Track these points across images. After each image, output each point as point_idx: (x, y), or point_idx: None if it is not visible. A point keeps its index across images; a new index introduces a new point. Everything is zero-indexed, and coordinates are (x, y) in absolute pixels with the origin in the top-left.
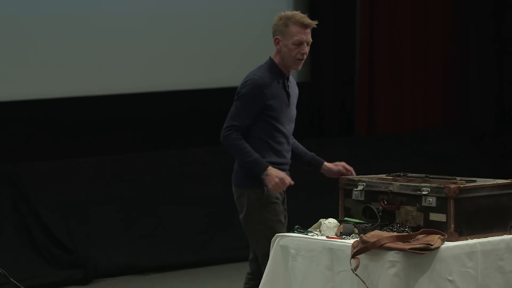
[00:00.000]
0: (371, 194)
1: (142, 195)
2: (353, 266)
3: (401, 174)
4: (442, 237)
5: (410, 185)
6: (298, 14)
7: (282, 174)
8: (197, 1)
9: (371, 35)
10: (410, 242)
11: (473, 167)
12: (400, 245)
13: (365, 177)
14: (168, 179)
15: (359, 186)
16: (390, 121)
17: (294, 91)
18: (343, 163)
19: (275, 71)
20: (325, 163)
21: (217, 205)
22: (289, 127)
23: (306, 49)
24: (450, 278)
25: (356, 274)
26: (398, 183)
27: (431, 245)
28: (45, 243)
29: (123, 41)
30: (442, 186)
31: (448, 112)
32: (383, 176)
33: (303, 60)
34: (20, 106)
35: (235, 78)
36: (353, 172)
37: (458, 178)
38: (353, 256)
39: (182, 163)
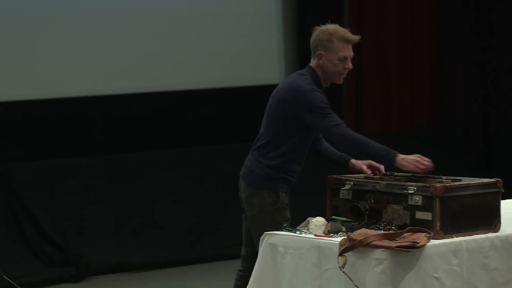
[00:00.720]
0: (358, 193)
1: (133, 194)
2: (341, 263)
3: (388, 173)
4: (428, 235)
5: (396, 184)
6: (341, 29)
7: (413, 157)
8: (184, 2)
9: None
10: (397, 240)
11: (459, 166)
12: (386, 243)
13: (352, 176)
14: (159, 179)
15: (346, 185)
16: (377, 120)
17: None
18: (369, 161)
19: (317, 83)
20: (352, 160)
21: (206, 204)
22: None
23: (350, 63)
24: (436, 275)
25: (343, 272)
26: (384, 182)
27: (417, 243)
28: (38, 241)
29: (109, 43)
30: (428, 185)
31: (434, 112)
32: (370, 175)
33: (345, 75)
34: (12, 106)
35: (223, 79)
36: (381, 170)
37: (443, 177)
38: (341, 254)
39: (172, 163)
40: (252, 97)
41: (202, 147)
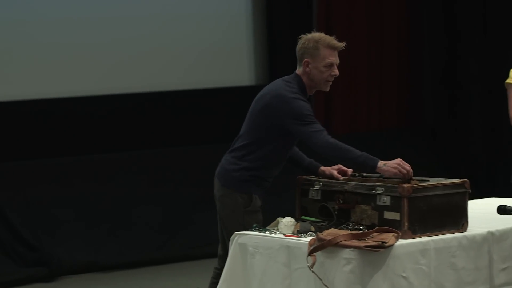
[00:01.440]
0: (327, 194)
1: (105, 195)
2: (310, 263)
3: (356, 174)
4: (396, 235)
5: (365, 185)
6: (326, 37)
7: (395, 162)
8: (155, 6)
9: None
10: (365, 240)
11: (426, 167)
12: (355, 242)
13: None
14: (130, 179)
15: (315, 186)
16: (346, 122)
17: None
18: (338, 166)
19: (302, 91)
20: (321, 167)
21: (177, 205)
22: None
23: (336, 70)
24: (404, 274)
25: (312, 271)
26: (353, 183)
27: (386, 243)
28: (10, 241)
29: (76, 46)
30: (396, 185)
31: (402, 113)
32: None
33: (331, 82)
34: None
35: (194, 81)
36: (349, 173)
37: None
38: (310, 253)
39: (143, 164)
40: (223, 98)
41: (173, 148)
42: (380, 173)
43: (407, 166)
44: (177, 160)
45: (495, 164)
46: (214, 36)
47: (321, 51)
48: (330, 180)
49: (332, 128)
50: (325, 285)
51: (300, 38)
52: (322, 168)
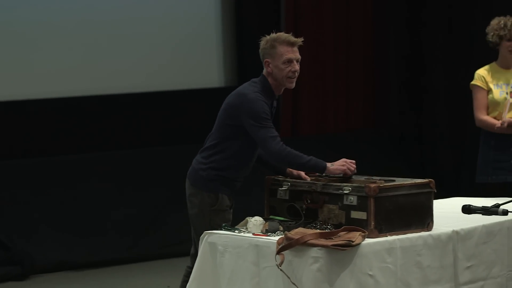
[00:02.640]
0: (295, 193)
1: (77, 194)
2: (278, 262)
3: (324, 174)
4: (363, 234)
5: (332, 185)
6: (283, 35)
7: (342, 161)
8: (125, 8)
9: None
10: (333, 239)
11: (392, 168)
12: (322, 241)
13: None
14: (103, 179)
15: (283, 186)
16: (314, 123)
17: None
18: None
19: (268, 92)
20: (288, 169)
21: (149, 204)
22: (256, 149)
23: (297, 66)
24: (370, 273)
25: (281, 270)
26: (321, 183)
27: (352, 242)
28: None
29: (58, 48)
30: (363, 185)
31: (369, 115)
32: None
33: (295, 78)
34: None
35: (164, 82)
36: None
37: (377, 178)
38: (278, 252)
39: (114, 164)
40: (193, 100)
41: (144, 149)
42: (329, 174)
43: (353, 163)
44: (148, 161)
45: (460, 164)
46: (183, 39)
47: (278, 48)
48: (298, 181)
49: (300, 129)
50: (293, 283)
51: (261, 40)
52: (289, 170)
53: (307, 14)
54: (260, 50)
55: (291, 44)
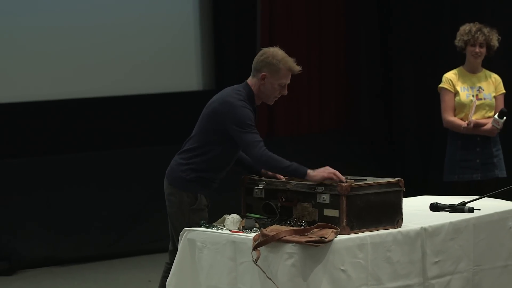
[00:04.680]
0: (271, 192)
1: (62, 194)
2: (254, 257)
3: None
4: (335, 230)
5: (306, 184)
6: (288, 59)
7: (325, 169)
8: (103, 13)
9: (271, 47)
10: (306, 235)
11: (364, 167)
12: (297, 238)
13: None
14: (85, 179)
15: (259, 185)
16: (289, 125)
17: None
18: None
19: (251, 100)
20: (262, 170)
21: (130, 203)
22: (237, 154)
23: (286, 91)
24: (342, 268)
25: (257, 265)
26: (295, 182)
27: (325, 238)
28: None
29: (38, 53)
30: (335, 184)
31: (341, 116)
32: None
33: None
34: None
35: (145, 85)
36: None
37: (349, 177)
38: (254, 248)
39: (97, 164)
40: (172, 103)
41: (125, 150)
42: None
43: (336, 172)
44: (129, 161)
45: (428, 164)
46: (161, 43)
47: (282, 71)
48: (273, 180)
49: (275, 130)
50: (269, 278)
51: (262, 49)
52: (264, 170)
53: (281, 20)
54: (260, 60)
55: (293, 72)
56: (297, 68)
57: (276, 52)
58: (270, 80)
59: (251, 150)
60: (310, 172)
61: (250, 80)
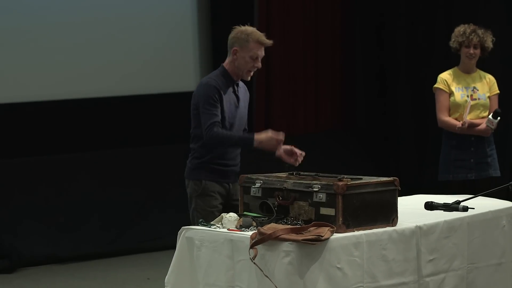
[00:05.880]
0: (268, 191)
1: (61, 193)
2: (252, 255)
3: (294, 172)
4: (331, 229)
5: (302, 183)
6: (257, 32)
7: (269, 135)
8: (102, 12)
9: (268, 48)
10: (303, 233)
11: (359, 166)
12: (293, 236)
13: (262, 176)
14: (84, 178)
15: (256, 184)
16: (285, 125)
17: (243, 94)
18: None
19: (227, 77)
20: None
21: (129, 201)
22: (238, 127)
23: (260, 64)
24: (338, 266)
25: (254, 263)
26: (292, 181)
27: (322, 236)
28: None
29: (33, 51)
30: (331, 183)
31: (337, 116)
32: (278, 174)
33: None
34: None
35: (143, 86)
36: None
37: (345, 176)
38: (252, 246)
39: (96, 164)
40: (171, 103)
41: (125, 150)
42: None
43: (280, 136)
44: (127, 161)
45: (423, 163)
46: (160, 43)
47: (250, 43)
48: (270, 179)
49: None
50: (266, 276)
51: (234, 28)
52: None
53: (278, 20)
54: (230, 37)
55: (263, 44)
56: (267, 41)
57: (246, 28)
58: (241, 54)
59: (208, 130)
60: (256, 143)
61: (225, 62)
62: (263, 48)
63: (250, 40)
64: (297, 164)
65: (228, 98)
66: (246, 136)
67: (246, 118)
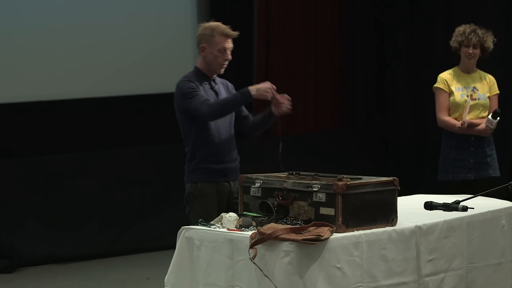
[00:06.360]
0: (267, 191)
1: (62, 192)
2: (251, 255)
3: (294, 172)
4: (331, 229)
5: (302, 183)
6: (222, 26)
7: (262, 84)
8: (102, 15)
9: (267, 48)
10: (302, 233)
11: (359, 166)
12: (293, 236)
13: (262, 175)
14: (84, 178)
15: (256, 183)
16: (285, 125)
17: (224, 89)
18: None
19: (200, 75)
20: (270, 107)
21: (129, 201)
22: (223, 122)
23: (229, 55)
24: (338, 265)
25: (254, 263)
26: (291, 181)
27: (321, 236)
28: None
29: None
30: (331, 183)
31: (336, 116)
32: (278, 174)
33: (226, 65)
34: None
35: (144, 86)
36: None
37: (345, 176)
38: (251, 246)
39: (96, 164)
40: (171, 103)
41: (124, 149)
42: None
43: (269, 87)
44: (127, 161)
45: (422, 163)
46: (159, 44)
47: (216, 38)
48: (270, 178)
49: (270, 130)
50: (266, 276)
51: (199, 26)
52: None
53: (278, 20)
54: (197, 36)
55: (228, 36)
56: (232, 32)
57: (210, 23)
58: (209, 49)
59: (201, 111)
60: (253, 92)
61: (197, 62)
62: (230, 40)
63: (215, 34)
64: (289, 110)
65: (205, 94)
66: (240, 90)
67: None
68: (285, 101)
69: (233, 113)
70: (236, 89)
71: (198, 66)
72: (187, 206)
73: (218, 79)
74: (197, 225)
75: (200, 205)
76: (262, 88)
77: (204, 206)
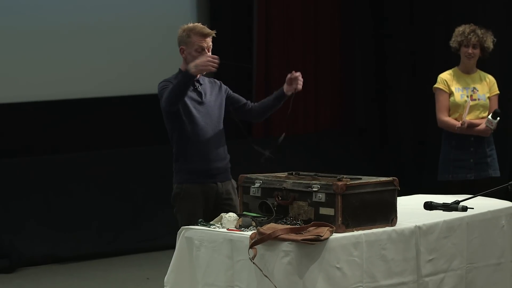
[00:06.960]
0: (267, 191)
1: (62, 192)
2: (251, 255)
3: (294, 172)
4: (330, 229)
5: (302, 183)
6: (198, 26)
7: (200, 58)
8: (104, 14)
9: (267, 49)
10: (302, 233)
11: (359, 166)
12: (293, 236)
13: (261, 175)
14: (84, 178)
15: (256, 184)
16: (285, 125)
17: (210, 88)
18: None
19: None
20: (283, 87)
21: (130, 201)
22: (209, 120)
23: (209, 54)
24: (338, 265)
25: (253, 263)
26: (291, 181)
27: (321, 236)
28: None
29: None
30: (331, 183)
31: (336, 116)
32: (278, 174)
33: (212, 65)
34: None
35: (140, 87)
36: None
37: (344, 176)
38: (251, 246)
39: (96, 164)
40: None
41: (125, 149)
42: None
43: (215, 59)
44: (127, 161)
45: (422, 163)
46: (159, 44)
47: (192, 38)
48: (270, 178)
49: (271, 131)
50: (265, 276)
51: (179, 28)
52: (284, 86)
53: (278, 22)
54: (177, 38)
55: (205, 35)
56: (208, 30)
57: (187, 25)
58: (187, 50)
59: (161, 104)
60: (191, 69)
61: (181, 65)
62: (207, 39)
63: (192, 34)
64: (300, 87)
65: (188, 95)
66: (182, 75)
67: (221, 109)
68: (300, 77)
69: (222, 108)
70: (235, 90)
71: (181, 68)
72: (174, 206)
73: (206, 80)
74: (186, 225)
75: (186, 206)
76: (200, 63)
77: (189, 207)
